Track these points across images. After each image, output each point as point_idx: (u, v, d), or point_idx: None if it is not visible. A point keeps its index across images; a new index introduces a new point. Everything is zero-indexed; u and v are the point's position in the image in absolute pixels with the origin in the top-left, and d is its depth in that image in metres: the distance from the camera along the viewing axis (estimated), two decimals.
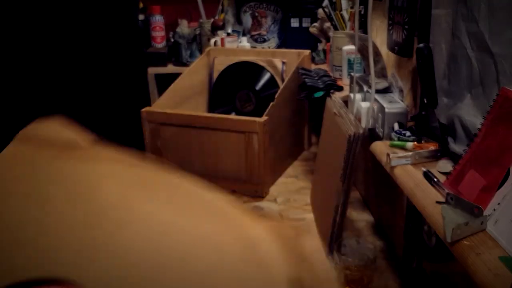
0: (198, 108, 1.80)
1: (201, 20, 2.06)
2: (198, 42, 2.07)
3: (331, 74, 1.64)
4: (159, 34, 2.05)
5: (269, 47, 2.20)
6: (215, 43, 1.95)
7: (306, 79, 1.48)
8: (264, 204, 1.36)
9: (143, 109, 1.51)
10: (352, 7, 1.65)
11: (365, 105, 1.13)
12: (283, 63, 1.71)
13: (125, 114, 1.91)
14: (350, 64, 1.55)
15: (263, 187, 1.42)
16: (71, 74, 1.35)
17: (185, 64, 1.99)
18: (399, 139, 0.97)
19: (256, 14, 2.18)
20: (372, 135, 1.16)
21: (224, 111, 1.79)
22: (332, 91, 1.44)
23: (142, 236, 0.29)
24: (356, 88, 1.25)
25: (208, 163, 1.47)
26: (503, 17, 0.71)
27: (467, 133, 0.81)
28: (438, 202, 0.73)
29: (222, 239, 0.29)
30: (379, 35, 1.23)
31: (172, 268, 0.27)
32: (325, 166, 1.26)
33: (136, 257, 0.28)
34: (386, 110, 1.04)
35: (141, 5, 1.98)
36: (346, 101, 1.32)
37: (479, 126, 0.73)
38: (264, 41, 2.21)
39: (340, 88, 1.46)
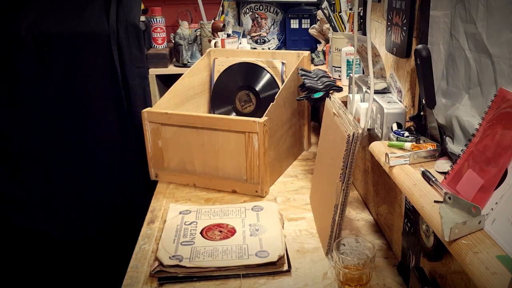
0: (198, 109, 1.81)
1: (201, 22, 2.07)
2: (198, 43, 2.07)
3: (330, 75, 1.64)
4: (160, 36, 2.05)
5: (269, 48, 2.20)
6: (215, 44, 1.95)
7: (305, 80, 1.48)
8: (264, 203, 1.36)
9: (144, 110, 1.51)
10: (351, 9, 1.66)
11: (364, 105, 1.14)
12: (283, 64, 1.72)
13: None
14: (349, 65, 1.56)
15: (263, 186, 1.43)
16: None
17: (186, 65, 1.99)
18: (397, 139, 0.97)
19: (256, 15, 2.19)
20: (371, 135, 1.17)
21: (225, 111, 1.80)
22: (331, 91, 1.44)
23: None
24: (355, 88, 1.25)
25: (208, 163, 1.48)
26: (501, 18, 0.71)
27: (465, 133, 0.82)
28: (436, 202, 0.74)
29: None
30: (378, 36, 1.24)
31: None
32: (324, 166, 1.26)
33: None
34: (385, 110, 1.05)
35: (142, 6, 1.99)
36: (345, 102, 1.33)
37: (477, 126, 0.74)
38: (264, 42, 2.21)
39: (339, 89, 1.46)
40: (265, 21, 2.21)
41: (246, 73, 1.76)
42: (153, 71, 1.98)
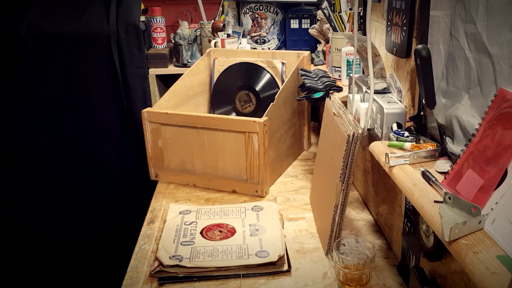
0: (198, 109, 1.81)
1: (201, 22, 2.07)
2: (198, 43, 2.08)
3: (330, 75, 1.64)
4: (160, 36, 2.05)
5: (269, 48, 2.20)
6: (215, 44, 1.95)
7: (305, 80, 1.48)
8: (264, 203, 1.36)
9: (144, 110, 1.51)
10: (351, 9, 1.66)
11: (364, 105, 1.14)
12: (283, 64, 1.72)
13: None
14: (349, 65, 1.56)
15: (263, 186, 1.43)
16: None
17: (186, 65, 2.00)
18: (397, 139, 0.97)
19: (256, 15, 2.19)
20: (371, 135, 1.17)
21: (225, 111, 1.80)
22: (331, 91, 1.44)
23: None
24: (355, 88, 1.25)
25: (208, 163, 1.48)
26: (501, 18, 0.71)
27: (465, 133, 0.82)
28: (436, 202, 0.74)
29: None
30: (378, 36, 1.24)
31: None
32: (324, 166, 1.26)
33: None
34: (385, 110, 1.05)
35: (142, 6, 1.99)
36: (345, 102, 1.32)
37: (477, 126, 0.74)
38: (264, 42, 2.21)
39: (339, 89, 1.46)
40: (265, 21, 2.22)
41: (246, 73, 1.76)
42: (153, 71, 1.98)
